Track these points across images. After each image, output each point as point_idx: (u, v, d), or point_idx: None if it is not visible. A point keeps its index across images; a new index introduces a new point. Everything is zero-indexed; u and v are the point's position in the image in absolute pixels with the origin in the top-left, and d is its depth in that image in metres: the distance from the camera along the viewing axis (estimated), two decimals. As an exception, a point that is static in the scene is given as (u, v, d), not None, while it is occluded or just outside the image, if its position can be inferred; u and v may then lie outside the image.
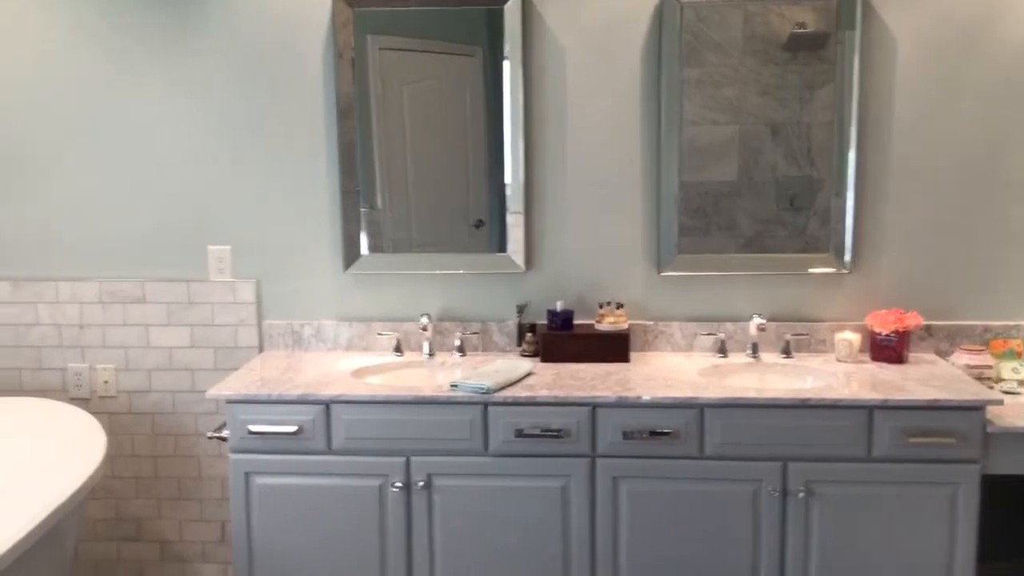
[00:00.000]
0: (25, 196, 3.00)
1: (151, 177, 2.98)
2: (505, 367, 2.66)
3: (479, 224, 2.99)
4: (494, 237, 2.95)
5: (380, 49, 2.90)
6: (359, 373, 2.73)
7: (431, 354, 2.87)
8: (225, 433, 2.57)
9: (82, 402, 3.03)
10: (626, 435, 2.44)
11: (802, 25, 2.77)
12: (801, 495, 2.42)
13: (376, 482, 2.52)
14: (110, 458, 3.06)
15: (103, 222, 3.00)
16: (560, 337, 2.80)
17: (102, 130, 2.96)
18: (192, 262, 3.01)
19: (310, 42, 2.89)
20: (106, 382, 3.05)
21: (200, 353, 3.03)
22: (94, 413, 2.85)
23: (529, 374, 2.63)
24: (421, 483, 2.50)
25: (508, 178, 2.88)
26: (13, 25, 2.93)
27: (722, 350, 2.85)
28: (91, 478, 2.33)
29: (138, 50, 2.92)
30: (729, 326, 2.89)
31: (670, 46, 2.79)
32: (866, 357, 2.80)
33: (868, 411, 2.40)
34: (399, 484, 2.50)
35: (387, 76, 2.90)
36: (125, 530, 3.12)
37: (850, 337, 2.78)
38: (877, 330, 2.77)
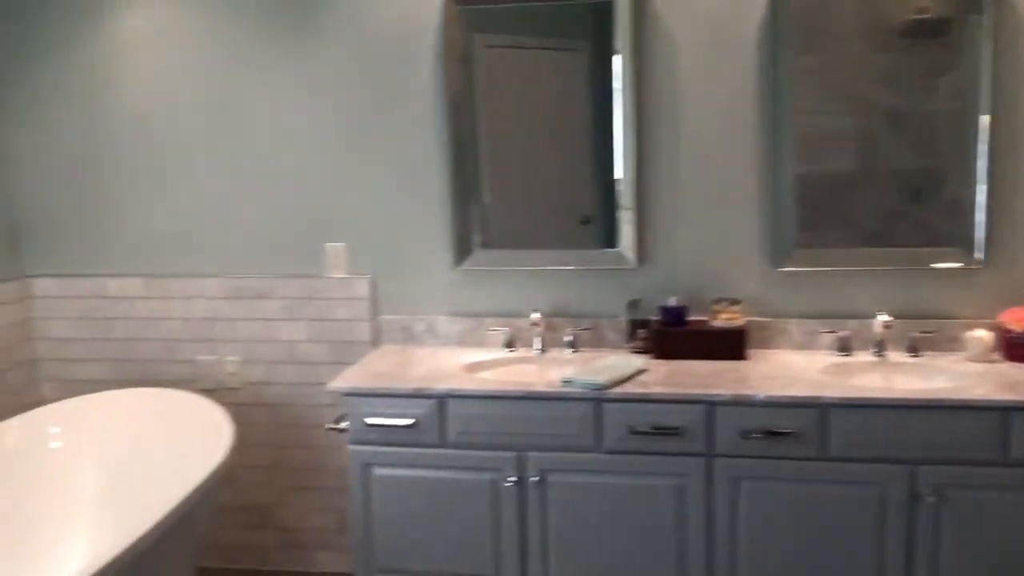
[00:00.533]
0: (158, 198, 3.15)
1: (274, 178, 3.08)
2: (617, 363, 2.64)
3: (586, 221, 2.97)
4: (602, 233, 2.93)
5: (486, 47, 2.91)
6: (472, 368, 2.76)
7: (543, 350, 2.88)
8: (343, 425, 2.63)
9: (209, 393, 3.16)
10: (744, 434, 2.39)
11: (923, 10, 2.65)
12: (931, 500, 2.32)
13: (489, 476, 2.54)
14: (236, 447, 3.19)
15: (229, 222, 3.12)
16: (673, 333, 2.76)
17: (229, 134, 3.08)
18: (311, 259, 3.10)
19: (422, 41, 2.93)
20: (232, 374, 3.18)
21: (318, 347, 3.12)
22: (220, 404, 2.98)
23: (642, 371, 2.61)
24: (535, 479, 2.50)
25: (619, 173, 2.86)
26: (150, 36, 3.07)
27: (844, 348, 2.76)
28: (220, 467, 2.44)
29: (264, 56, 3.02)
30: (851, 323, 2.79)
31: (785, 34, 2.71)
32: (998, 356, 2.66)
33: (1004, 413, 2.28)
34: (512, 479, 2.52)
35: (493, 73, 2.92)
36: (250, 517, 3.24)
37: (982, 335, 2.65)
38: (1011, 328, 2.63)
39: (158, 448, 2.75)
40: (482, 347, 2.99)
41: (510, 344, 2.93)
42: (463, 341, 3.02)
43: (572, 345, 2.88)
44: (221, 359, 3.18)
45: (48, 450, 2.76)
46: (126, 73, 3.10)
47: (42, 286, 3.23)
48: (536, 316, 2.87)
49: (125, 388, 3.07)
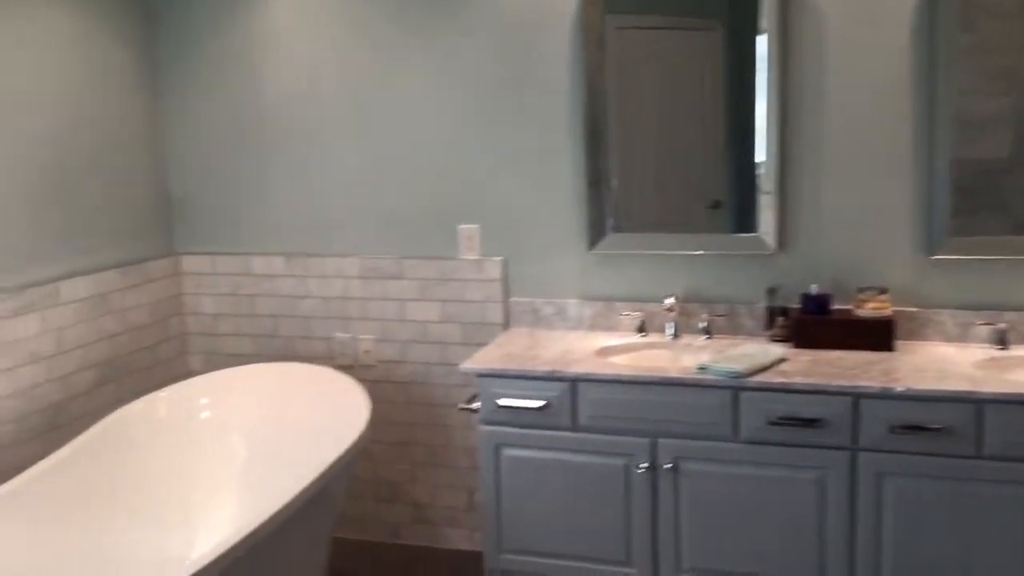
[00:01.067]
0: (301, 178, 3.25)
1: (410, 160, 3.13)
2: (755, 351, 2.56)
3: (716, 205, 2.90)
4: (735, 217, 2.86)
5: (617, 28, 2.87)
6: (603, 352, 2.73)
7: (676, 335, 2.83)
8: (475, 405, 2.66)
9: (345, 369, 3.24)
10: (891, 429, 2.28)
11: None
12: (1098, 506, 2.16)
13: (621, 461, 2.52)
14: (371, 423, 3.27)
15: (367, 202, 3.19)
16: (815, 322, 2.66)
17: (369, 116, 3.14)
18: (444, 240, 3.13)
19: (558, 24, 2.90)
20: (366, 352, 3.25)
21: (450, 328, 3.16)
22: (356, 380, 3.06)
23: (781, 360, 2.52)
24: (668, 466, 2.47)
25: (760, 156, 2.76)
26: (296, 22, 3.17)
27: (1002, 341, 2.59)
28: (358, 442, 2.50)
29: (403, 39, 3.07)
30: (1009, 315, 2.62)
31: (943, 12, 2.55)
32: None
33: None
34: (644, 465, 2.48)
35: (624, 55, 2.87)
36: (382, 491, 3.32)
37: None
38: None
39: (300, 421, 2.84)
40: (613, 331, 2.96)
41: (642, 329, 2.89)
42: (593, 325, 3.00)
43: (706, 331, 2.82)
44: (356, 337, 3.26)
45: (197, 420, 2.90)
46: (273, 58, 3.21)
47: (191, 263, 3.39)
48: (670, 301, 2.82)
49: (268, 363, 3.19)
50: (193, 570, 1.87)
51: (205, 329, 3.41)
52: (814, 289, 2.69)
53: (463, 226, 3.11)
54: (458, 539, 3.27)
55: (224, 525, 2.69)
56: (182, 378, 3.17)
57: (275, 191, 3.28)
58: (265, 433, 2.88)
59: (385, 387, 3.24)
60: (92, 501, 2.53)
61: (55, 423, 2.78)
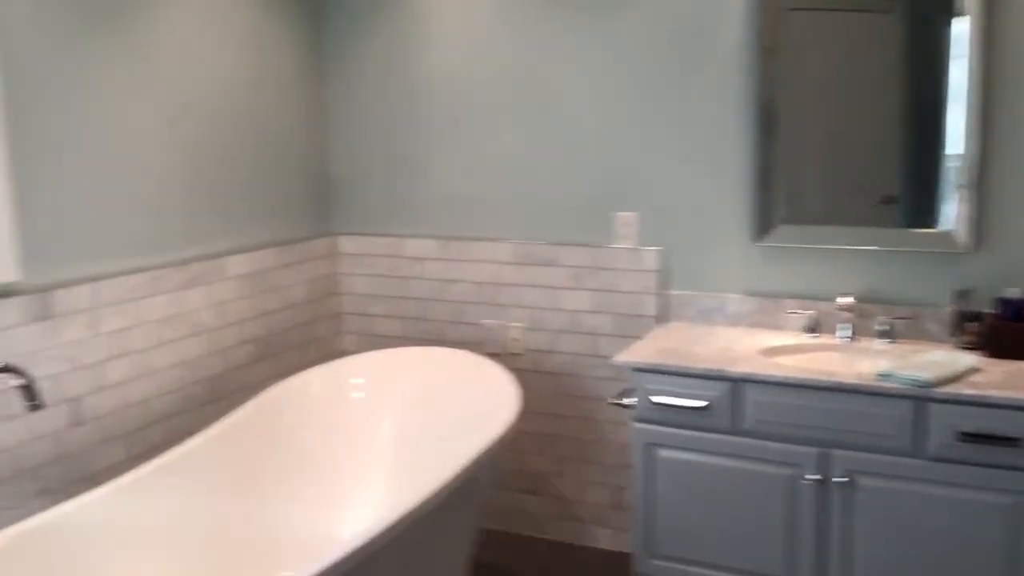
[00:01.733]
0: (457, 161, 3.21)
1: (567, 143, 3.03)
2: (943, 359, 2.33)
3: (889, 200, 2.67)
4: (911, 212, 2.63)
5: (790, 9, 2.67)
6: (769, 352, 2.56)
7: (851, 337, 2.61)
8: (628, 401, 2.54)
9: (493, 357, 3.19)
10: (1107, 455, 2.02)
11: None
12: None
13: (787, 471, 2.35)
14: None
15: (522, 187, 3.12)
16: (1012, 329, 2.39)
17: (528, 99, 3.07)
18: (599, 228, 3.02)
19: (728, 3, 2.73)
20: (515, 340, 3.19)
21: (602, 318, 3.05)
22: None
23: (973, 369, 2.28)
24: (842, 479, 2.27)
25: (955, 147, 2.51)
26: (456, 6, 3.12)
27: None
28: (508, 432, 2.43)
29: (564, 22, 2.97)
30: None
31: None
32: None
33: None
34: (814, 477, 2.30)
35: (798, 37, 2.68)
36: (527, 484, 3.26)
37: None
38: None
39: (450, 406, 2.80)
40: (778, 330, 2.77)
41: (812, 329, 2.69)
42: (757, 322, 2.82)
43: (886, 335, 2.59)
44: (506, 324, 3.20)
45: (349, 399, 2.91)
46: (433, 42, 3.18)
47: (347, 244, 3.42)
48: (847, 300, 2.61)
49: (420, 346, 3.18)
50: (344, 552, 1.85)
51: (358, 309, 3.43)
52: (1014, 293, 2.42)
53: (620, 213, 2.99)
54: (604, 538, 3.16)
55: (372, 506, 2.68)
56: (335, 357, 3.19)
57: (430, 174, 3.25)
58: (415, 416, 2.86)
59: (533, 377, 3.16)
60: (245, 474, 2.57)
61: (214, 395, 2.85)
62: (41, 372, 2.27)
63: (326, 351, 3.35)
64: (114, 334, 2.48)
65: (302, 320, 3.25)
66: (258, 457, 2.62)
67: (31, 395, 1.61)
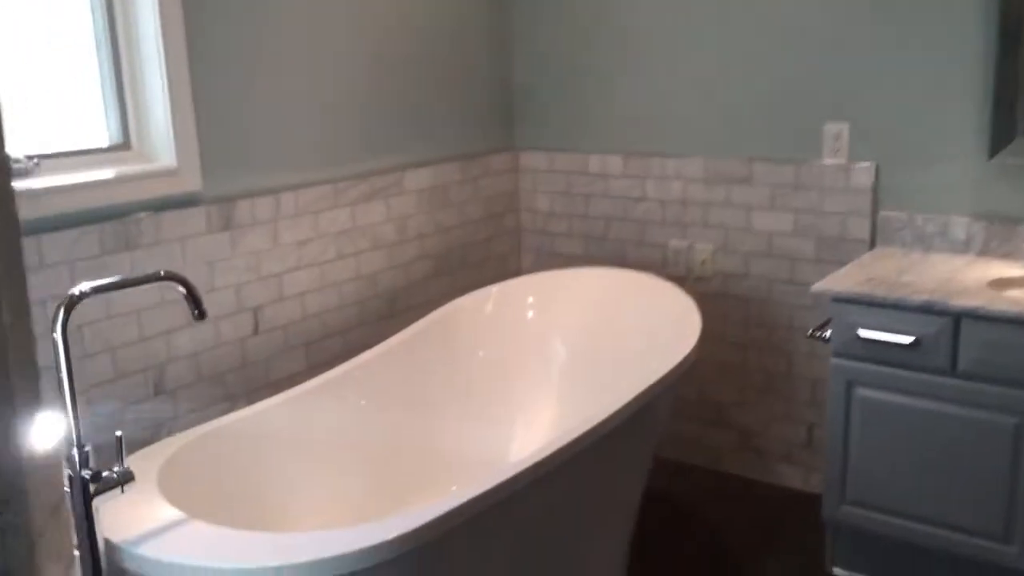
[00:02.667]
0: (644, 73, 2.99)
1: (765, 50, 2.74)
2: None
3: None
4: None
5: None
6: (999, 284, 2.22)
7: (1102, 271, 2.23)
8: (827, 333, 2.29)
9: (678, 280, 3.00)
10: None
11: None
12: None
13: (1012, 419, 2.04)
14: (700, 338, 3.02)
15: (713, 98, 2.86)
16: None
17: (718, 5, 2.79)
18: (803, 141, 2.73)
19: None
20: (703, 263, 2.98)
21: (802, 242, 2.78)
22: (689, 293, 2.81)
23: None
24: (1079, 434, 1.96)
25: None
26: None
27: None
28: (687, 359, 2.27)
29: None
30: None
31: None
32: None
33: None
34: (1045, 429, 1.99)
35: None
36: (707, 413, 3.08)
37: None
38: None
39: (627, 330, 2.66)
40: (1013, 260, 2.41)
41: (1053, 259, 2.32)
42: (986, 250, 2.46)
43: None
44: (693, 246, 2.99)
45: (524, 319, 2.82)
46: (621, -65, 2.94)
47: (529, 159, 3.29)
48: (1101, 226, 2.22)
49: (597, 267, 3.04)
50: (513, 472, 1.78)
51: (538, 227, 3.32)
52: None
53: (829, 125, 2.67)
54: (790, 476, 2.94)
55: (543, 428, 2.61)
56: (513, 275, 3.11)
57: (618, 86, 3.05)
58: (590, 339, 2.73)
59: (720, 302, 2.95)
60: (417, 390, 2.55)
61: (393, 309, 2.84)
62: (224, 281, 2.32)
63: (504, 269, 3.28)
64: (294, 246, 2.50)
65: (481, 237, 3.18)
66: (431, 374, 2.60)
67: (195, 303, 1.61)
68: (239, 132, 2.35)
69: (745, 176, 2.84)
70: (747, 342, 2.94)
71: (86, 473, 1.44)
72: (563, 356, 2.77)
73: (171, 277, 1.56)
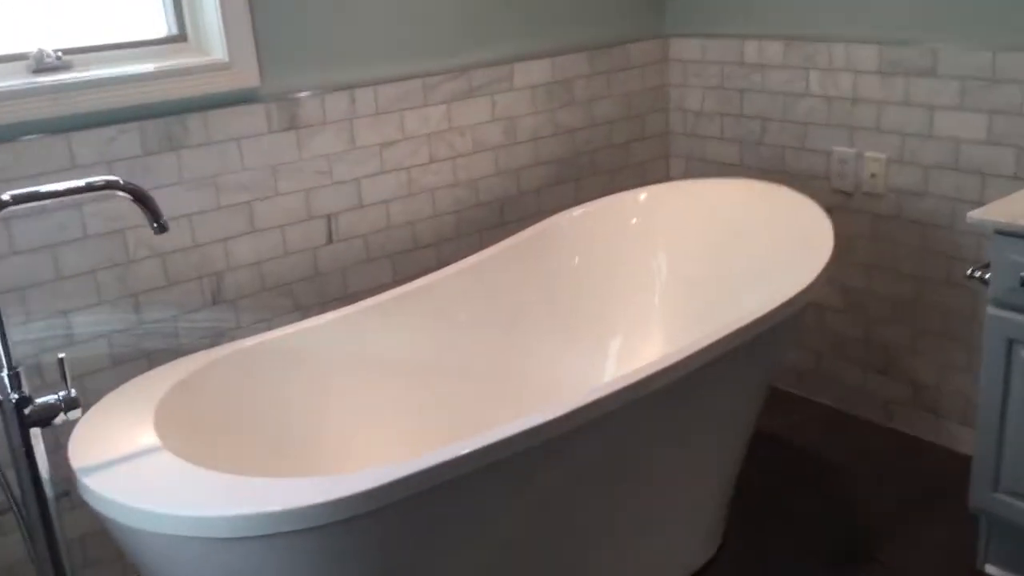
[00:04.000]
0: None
1: None
2: None
3: None
4: None
5: None
6: None
7: None
8: (987, 275, 1.76)
9: (843, 196, 2.49)
10: None
11: None
12: None
13: None
14: (867, 268, 2.50)
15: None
16: None
17: None
18: (1002, 19, 2.09)
19: None
20: (873, 176, 2.43)
21: (999, 152, 2.17)
22: (854, 212, 2.32)
23: None
24: None
25: None
26: None
27: None
28: (810, 288, 1.86)
29: None
30: None
31: None
32: None
33: None
34: None
35: None
36: (874, 358, 2.57)
37: None
38: None
39: (747, 251, 2.25)
40: None
41: None
42: None
43: None
44: (862, 155, 2.44)
45: (634, 233, 2.46)
46: None
47: (681, 48, 2.83)
48: None
49: (749, 175, 2.60)
50: (604, 392, 1.56)
51: (688, 128, 2.89)
52: None
53: (1041, -3, 2.03)
54: (964, 441, 2.39)
55: (643, 355, 2.28)
56: (654, 183, 2.72)
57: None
58: (704, 259, 2.34)
59: (893, 225, 2.41)
60: (508, 307, 2.31)
61: (501, 219, 2.59)
62: (290, 186, 2.18)
63: (645, 179, 2.89)
64: (375, 148, 2.30)
65: (617, 140, 2.81)
66: (523, 292, 2.34)
67: (153, 216, 1.45)
68: (303, 21, 2.14)
69: (928, 67, 2.25)
70: (923, 275, 2.39)
71: (14, 396, 1.35)
72: (673, 276, 2.40)
73: (116, 186, 1.41)
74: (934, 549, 2.06)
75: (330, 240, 2.28)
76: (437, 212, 2.46)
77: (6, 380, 1.35)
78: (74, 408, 1.40)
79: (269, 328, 2.08)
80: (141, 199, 1.44)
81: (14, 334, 1.84)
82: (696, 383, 1.72)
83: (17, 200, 1.33)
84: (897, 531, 2.15)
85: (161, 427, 1.58)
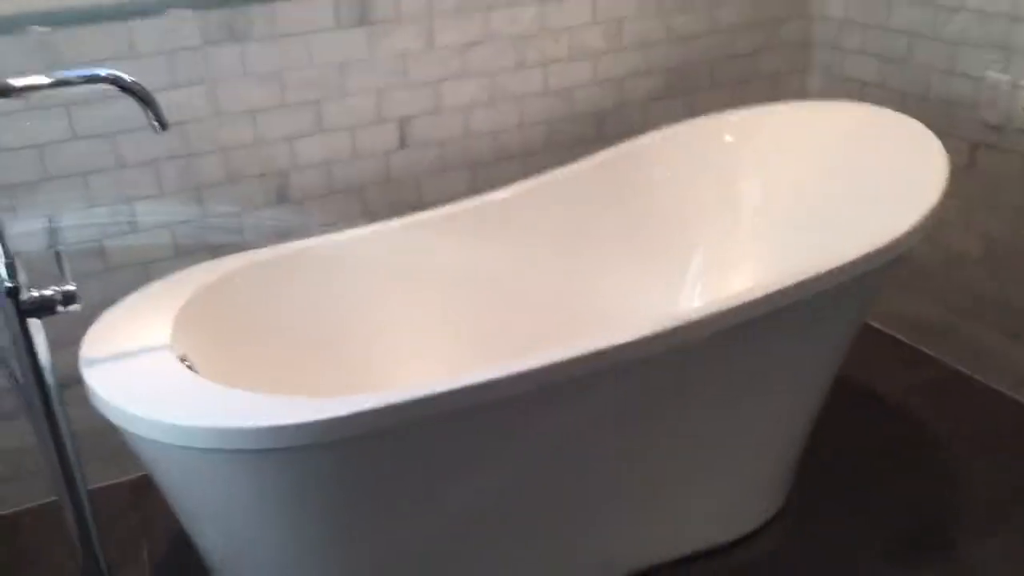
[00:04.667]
0: None
1: None
2: None
3: None
4: None
5: None
6: None
7: None
8: None
9: (992, 131, 2.13)
10: None
11: None
12: None
13: None
14: (1015, 215, 2.15)
15: None
16: None
17: None
18: None
19: None
20: (1029, 108, 2.06)
21: None
22: (1004, 150, 1.97)
23: None
24: None
25: None
26: None
27: None
28: (904, 238, 1.63)
29: None
30: None
31: None
32: None
33: None
34: None
35: None
36: (1010, 319, 2.23)
37: None
38: None
39: (846, 187, 1.98)
40: None
41: None
42: None
43: None
44: (1017, 84, 2.06)
45: (734, 159, 2.21)
46: None
47: (829, -53, 2.48)
48: None
49: (890, 98, 2.28)
50: (679, 322, 1.47)
51: (830, 40, 2.55)
52: None
53: None
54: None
55: (726, 288, 2.08)
56: (781, 100, 2.42)
57: None
58: (800, 191, 2.09)
59: (1044, 170, 2.04)
60: (578, 230, 2.15)
61: (599, 133, 2.40)
62: (359, 85, 2.09)
63: (776, 94, 2.60)
64: (455, 49, 2.16)
65: (743, 50, 2.52)
66: (604, 212, 2.17)
67: (154, 113, 1.40)
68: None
69: (1114, -22, 1.84)
70: (1079, 231, 2.03)
71: (8, 285, 1.36)
72: (764, 209, 2.16)
73: (114, 81, 1.36)
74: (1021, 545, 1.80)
75: (403, 145, 2.19)
76: (524, 122, 2.31)
77: (2, 269, 1.36)
78: (72, 303, 1.40)
79: (338, 231, 2.03)
80: (141, 98, 1.39)
81: (76, 218, 1.90)
82: (758, 331, 1.55)
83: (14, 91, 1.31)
84: (1000, 528, 1.88)
85: (179, 330, 1.58)
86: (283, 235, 2.09)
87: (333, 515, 1.45)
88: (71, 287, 1.41)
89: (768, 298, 1.52)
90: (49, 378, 1.43)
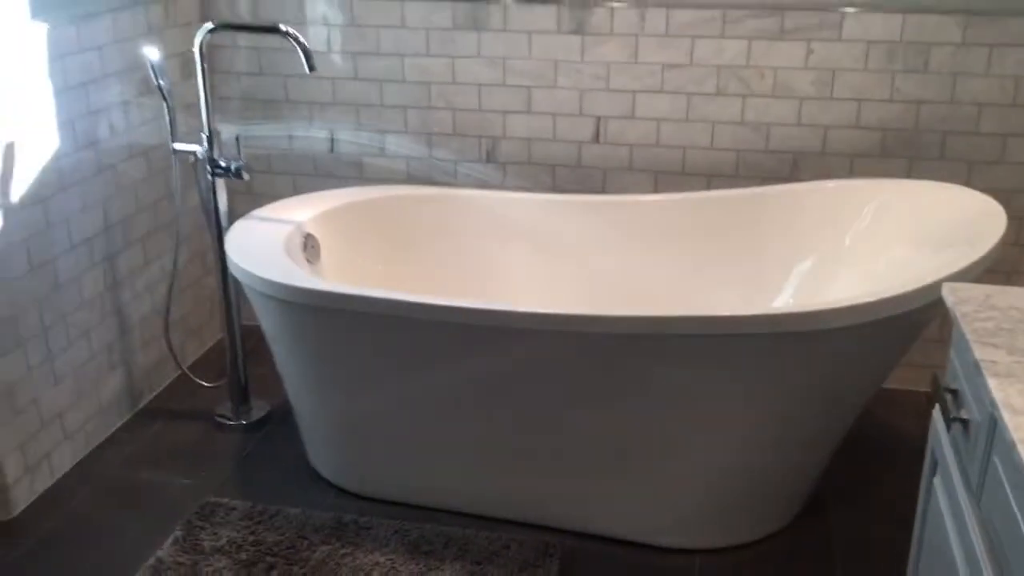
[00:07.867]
0: None
1: None
2: None
3: None
4: None
5: None
6: None
7: None
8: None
9: None
10: None
11: None
12: None
13: None
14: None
15: None
16: None
17: None
18: None
19: None
20: None
21: None
22: None
23: None
24: None
25: None
26: None
27: None
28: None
29: None
30: None
31: None
32: None
33: None
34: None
35: None
36: None
37: None
38: None
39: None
40: None
41: None
42: None
43: None
44: None
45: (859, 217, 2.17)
46: None
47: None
48: None
49: None
50: (747, 312, 1.77)
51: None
52: None
53: None
54: None
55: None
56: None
57: None
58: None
59: None
60: (706, 251, 2.34)
61: (790, 172, 2.48)
62: (566, 82, 2.52)
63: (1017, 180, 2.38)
64: (657, 67, 2.47)
65: (987, 128, 2.36)
66: (728, 243, 2.33)
67: (306, 57, 2.05)
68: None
69: None
70: None
71: (202, 152, 2.15)
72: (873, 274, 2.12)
73: (288, 34, 2.03)
74: None
75: (597, 139, 2.57)
76: (714, 145, 2.52)
77: (205, 139, 2.15)
78: (239, 176, 2.16)
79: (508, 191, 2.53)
80: (302, 46, 2.05)
81: (351, 136, 2.67)
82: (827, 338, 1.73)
83: (220, 27, 2.09)
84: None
85: (322, 217, 2.25)
86: (483, 185, 2.64)
87: (345, 367, 1.97)
88: (242, 164, 2.16)
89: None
90: (224, 220, 2.21)
